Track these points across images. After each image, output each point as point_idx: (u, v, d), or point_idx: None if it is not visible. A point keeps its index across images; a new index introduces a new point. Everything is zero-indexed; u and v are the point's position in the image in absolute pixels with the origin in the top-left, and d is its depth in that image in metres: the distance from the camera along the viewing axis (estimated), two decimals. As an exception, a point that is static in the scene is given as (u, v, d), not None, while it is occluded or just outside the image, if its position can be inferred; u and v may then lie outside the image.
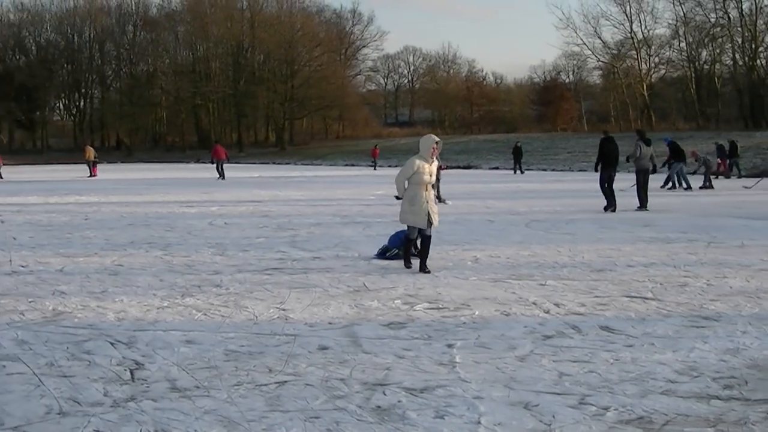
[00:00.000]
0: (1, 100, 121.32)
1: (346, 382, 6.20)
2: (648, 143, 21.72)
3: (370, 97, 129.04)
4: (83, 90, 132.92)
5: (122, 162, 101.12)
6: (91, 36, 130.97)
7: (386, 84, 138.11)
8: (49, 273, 11.38)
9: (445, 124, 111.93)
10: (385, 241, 13.03)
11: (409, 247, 11.81)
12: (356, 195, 28.16)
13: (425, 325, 8.07)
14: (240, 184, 37.88)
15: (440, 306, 8.99)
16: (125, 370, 6.51)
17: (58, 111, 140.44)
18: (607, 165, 21.41)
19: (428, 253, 11.58)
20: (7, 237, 16.14)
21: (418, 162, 11.22)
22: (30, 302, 9.19)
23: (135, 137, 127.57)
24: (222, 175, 45.90)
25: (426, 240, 11.52)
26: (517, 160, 50.44)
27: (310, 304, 9.05)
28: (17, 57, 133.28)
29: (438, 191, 21.48)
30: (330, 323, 8.16)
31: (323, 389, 6.02)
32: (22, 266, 12.12)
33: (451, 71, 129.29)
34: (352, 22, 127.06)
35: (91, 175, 50.26)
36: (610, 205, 21.21)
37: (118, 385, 6.11)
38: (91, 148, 54.16)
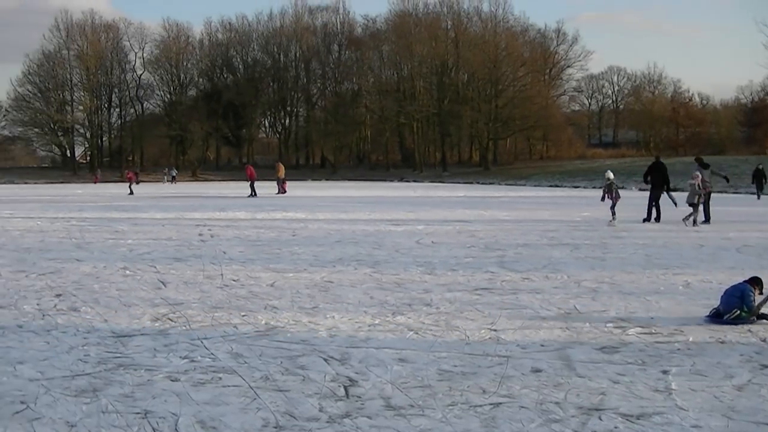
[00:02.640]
0: (210, 117, 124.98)
1: (561, 405, 6.07)
2: (706, 167, 24.33)
3: (574, 118, 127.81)
4: (288, 108, 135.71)
5: (327, 179, 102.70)
6: (297, 55, 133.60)
7: (590, 104, 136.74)
8: (260, 287, 11.56)
9: (650, 145, 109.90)
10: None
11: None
12: (562, 216, 27.81)
13: (639, 350, 7.85)
14: (445, 204, 37.87)
15: (653, 331, 8.74)
16: (339, 386, 6.52)
17: (263, 128, 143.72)
18: (655, 185, 25.09)
19: None
20: (217, 251, 16.50)
21: None
22: (243, 316, 9.34)
23: (339, 155, 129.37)
24: (254, 193, 47.64)
25: None
26: (760, 184, 45.23)
27: (522, 325, 8.93)
28: (225, 76, 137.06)
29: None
30: (542, 345, 8.02)
31: (538, 412, 5.91)
32: (234, 280, 12.34)
33: (656, 91, 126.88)
34: (557, 41, 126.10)
35: (280, 192, 51.21)
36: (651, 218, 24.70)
37: (333, 401, 6.12)
38: (283, 166, 55.07)
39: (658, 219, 24.57)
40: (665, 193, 25.91)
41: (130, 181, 59.48)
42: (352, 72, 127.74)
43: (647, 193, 25.64)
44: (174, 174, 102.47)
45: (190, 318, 9.21)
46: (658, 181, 25.14)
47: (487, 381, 6.68)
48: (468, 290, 11.31)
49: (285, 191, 51.64)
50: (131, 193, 54.90)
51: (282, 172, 53.26)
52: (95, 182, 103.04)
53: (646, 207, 24.99)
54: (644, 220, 24.66)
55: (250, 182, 49.26)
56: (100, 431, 5.45)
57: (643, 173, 26.91)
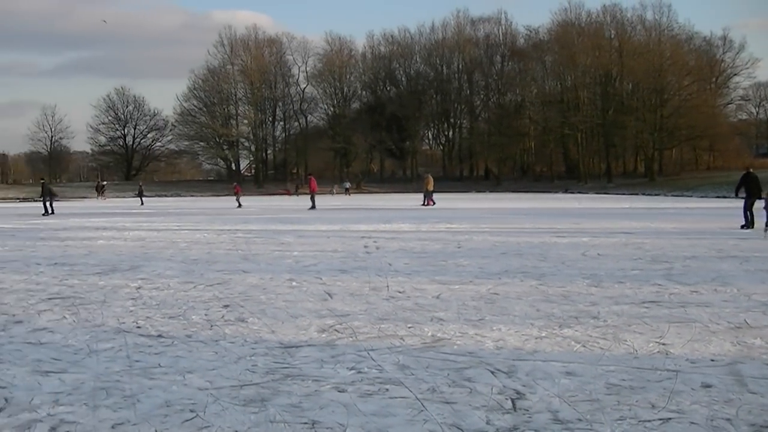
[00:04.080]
0: (373, 129, 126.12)
1: (732, 422, 5.88)
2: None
3: (741, 127, 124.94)
4: (452, 120, 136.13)
5: (490, 191, 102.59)
6: (460, 66, 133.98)
7: (758, 113, 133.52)
8: (426, 299, 11.54)
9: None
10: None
11: None
12: (730, 227, 27.15)
13: (815, 367, 7.58)
14: (610, 216, 37.38)
15: (830, 348, 8.43)
16: (507, 399, 6.45)
17: (427, 140, 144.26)
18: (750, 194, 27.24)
19: None
20: (383, 263, 16.55)
21: None
22: (409, 328, 9.34)
23: (503, 167, 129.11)
24: (313, 205, 49.27)
25: None
26: None
27: (691, 339, 8.70)
28: (388, 88, 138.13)
29: None
30: (712, 360, 7.80)
31: (709, 429, 5.74)
32: (400, 292, 12.35)
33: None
34: (723, 49, 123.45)
35: (426, 204, 51.28)
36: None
37: (500, 414, 6.06)
38: (432, 178, 55.10)
39: (751, 225, 26.17)
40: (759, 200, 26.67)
41: (237, 194, 60.36)
42: (515, 83, 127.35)
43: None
44: (347, 186, 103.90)
45: (357, 329, 9.25)
46: (753, 191, 27.10)
47: (656, 396, 6.53)
48: (635, 303, 11.09)
49: (433, 203, 51.71)
50: (239, 206, 55.82)
51: (431, 184, 53.26)
52: (288, 194, 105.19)
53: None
54: (742, 227, 26.28)
55: (310, 195, 50.13)
56: (268, 440, 5.50)
57: (735, 186, 30.30)
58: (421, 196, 52.90)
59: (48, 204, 47.98)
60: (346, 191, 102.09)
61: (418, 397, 6.47)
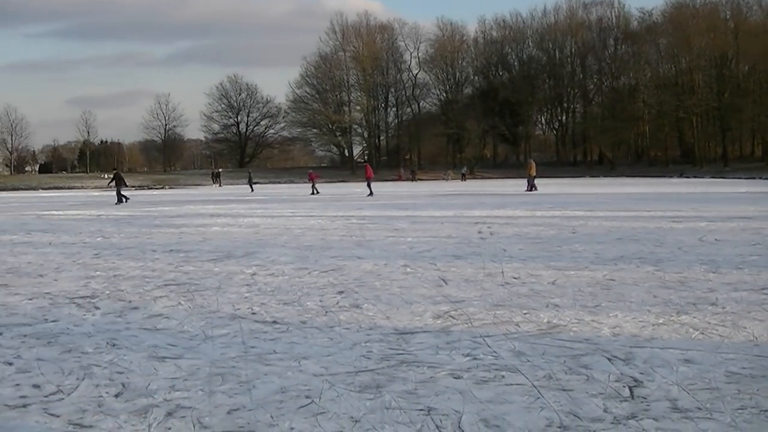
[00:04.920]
0: (486, 115, 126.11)
1: None
2: None
3: None
4: (565, 104, 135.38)
5: (604, 176, 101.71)
6: (573, 51, 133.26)
7: None
8: (541, 285, 11.43)
9: None
10: None
11: None
12: None
13: None
14: (727, 200, 36.78)
15: None
16: (624, 386, 6.34)
17: (540, 125, 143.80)
18: None
19: None
20: (497, 249, 16.47)
21: None
22: (525, 314, 9.26)
23: (617, 151, 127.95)
24: (370, 192, 50.00)
25: None
26: None
27: (813, 326, 8.50)
28: (500, 73, 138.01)
29: None
30: (836, 348, 7.61)
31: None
32: (515, 278, 12.26)
33: None
34: None
35: (529, 189, 51.01)
36: None
37: (617, 402, 5.95)
38: (534, 164, 54.86)
39: None
40: None
41: (312, 181, 60.51)
42: (628, 66, 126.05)
43: None
44: (465, 171, 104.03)
45: (472, 316, 9.20)
46: None
47: (779, 384, 6.37)
48: (755, 289, 10.83)
49: (535, 188, 51.48)
50: (316, 193, 56.01)
51: (533, 169, 53.03)
52: (400, 179, 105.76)
53: None
54: None
55: (367, 181, 50.24)
56: (383, 427, 5.48)
57: None
58: (532, 181, 52.63)
59: (120, 192, 48.85)
60: (463, 177, 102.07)
61: (535, 384, 6.40)
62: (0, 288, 12.53)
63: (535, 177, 52.99)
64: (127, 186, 51.41)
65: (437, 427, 5.46)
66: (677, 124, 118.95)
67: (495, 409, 5.81)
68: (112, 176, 52.51)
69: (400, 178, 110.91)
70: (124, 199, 48.57)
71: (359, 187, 74.51)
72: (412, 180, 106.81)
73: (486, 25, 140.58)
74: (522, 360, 7.17)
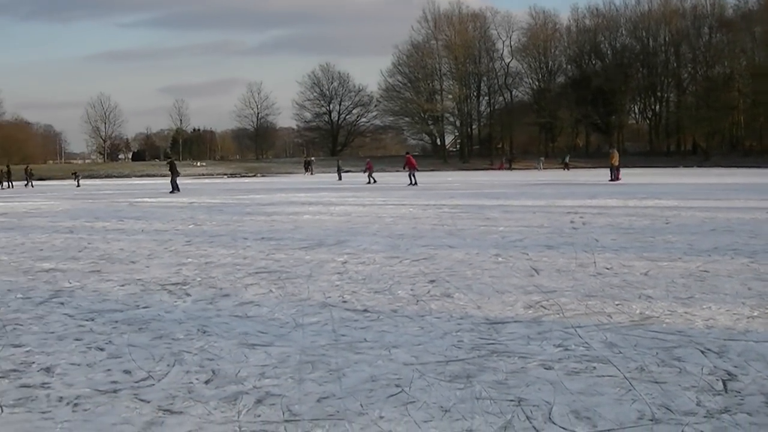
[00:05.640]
0: (579, 104, 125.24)
1: None
2: None
3: None
4: (658, 93, 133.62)
5: (698, 166, 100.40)
6: (666, 39, 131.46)
7: None
8: (633, 276, 11.31)
9: None
10: None
11: None
12: None
13: None
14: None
15: None
16: (717, 380, 6.24)
17: (633, 115, 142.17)
18: None
19: None
20: (590, 239, 16.34)
21: None
22: (617, 305, 9.17)
23: (711, 141, 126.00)
24: (414, 182, 50.54)
25: None
26: None
27: None
28: (593, 62, 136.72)
29: None
30: None
31: None
32: (607, 268, 12.16)
33: None
34: None
35: (613, 179, 50.55)
36: None
37: (710, 395, 5.87)
38: (617, 153, 54.33)
39: None
40: None
41: (369, 170, 60.41)
42: (723, 55, 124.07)
43: None
44: (566, 160, 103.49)
45: (563, 306, 9.14)
46: None
47: None
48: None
49: (618, 179, 51.04)
50: (372, 182, 56.04)
51: (616, 159, 52.61)
52: (500, 168, 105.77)
53: None
54: None
55: (410, 171, 50.18)
56: (473, 417, 5.46)
57: None
58: (615, 171, 52.21)
59: (175, 181, 49.29)
60: (566, 166, 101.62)
61: (626, 376, 6.34)
62: (93, 274, 12.75)
63: (618, 167, 52.60)
64: (179, 175, 51.78)
65: (527, 418, 5.44)
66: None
67: (586, 401, 5.77)
68: (167, 163, 53.06)
69: (501, 167, 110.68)
70: (177, 189, 48.84)
71: (451, 176, 74.51)
72: (509, 169, 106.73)
73: (579, 13, 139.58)
74: (614, 351, 7.10)
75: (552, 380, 6.25)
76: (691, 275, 11.33)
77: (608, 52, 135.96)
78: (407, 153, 64.01)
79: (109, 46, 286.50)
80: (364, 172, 64.25)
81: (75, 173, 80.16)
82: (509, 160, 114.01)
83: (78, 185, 72.66)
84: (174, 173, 49.32)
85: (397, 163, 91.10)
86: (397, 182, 58.93)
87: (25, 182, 75.24)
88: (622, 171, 55.28)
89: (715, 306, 9.04)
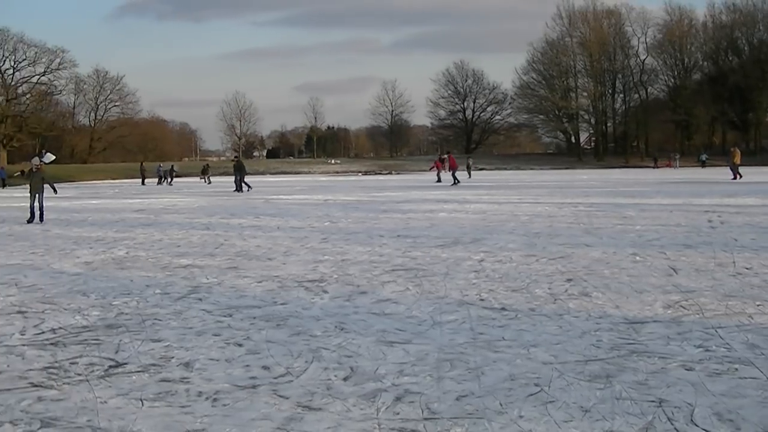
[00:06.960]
0: (715, 101, 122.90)
1: None
2: None
3: None
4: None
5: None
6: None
7: None
8: (775, 276, 11.11)
9: None
10: None
11: None
12: None
13: None
14: None
15: None
16: None
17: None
18: None
19: None
20: (728, 238, 16.06)
21: None
22: (758, 305, 8.99)
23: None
24: (456, 180, 50.71)
25: None
26: None
27: None
28: (730, 58, 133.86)
29: None
30: None
31: None
32: (747, 268, 11.93)
33: None
34: None
35: (735, 178, 49.61)
36: None
37: None
38: (739, 152, 53.22)
39: None
40: None
41: (438, 169, 59.76)
42: None
43: None
44: (704, 158, 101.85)
45: (703, 306, 9.01)
46: None
47: None
48: None
49: (739, 176, 50.07)
50: (439, 180, 55.62)
51: (738, 157, 51.62)
52: (668, 166, 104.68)
53: None
54: None
55: (452, 171, 50.13)
56: (614, 418, 5.43)
57: None
58: (736, 169, 51.22)
59: (240, 181, 49.38)
60: (703, 164, 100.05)
61: (769, 378, 6.25)
62: (230, 270, 12.98)
63: (739, 165, 51.63)
64: (248, 173, 52.07)
65: (669, 419, 5.38)
66: None
67: (729, 403, 5.68)
68: (234, 163, 53.37)
69: (669, 165, 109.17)
70: (246, 188, 49.13)
71: (586, 174, 73.83)
72: (654, 167, 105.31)
73: (715, 9, 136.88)
74: (756, 353, 6.98)
75: (693, 381, 6.17)
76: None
77: (745, 48, 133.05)
78: (448, 152, 63.95)
79: (245, 45, 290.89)
80: (431, 170, 63.51)
81: (205, 168, 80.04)
82: (654, 159, 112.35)
83: (208, 182, 72.89)
84: (241, 173, 49.57)
85: (532, 161, 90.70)
86: (534, 180, 58.56)
87: (163, 179, 75.26)
88: (764, 169, 54.13)
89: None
